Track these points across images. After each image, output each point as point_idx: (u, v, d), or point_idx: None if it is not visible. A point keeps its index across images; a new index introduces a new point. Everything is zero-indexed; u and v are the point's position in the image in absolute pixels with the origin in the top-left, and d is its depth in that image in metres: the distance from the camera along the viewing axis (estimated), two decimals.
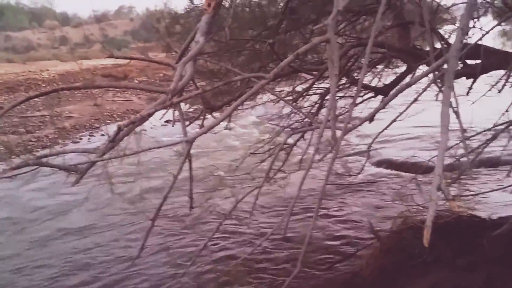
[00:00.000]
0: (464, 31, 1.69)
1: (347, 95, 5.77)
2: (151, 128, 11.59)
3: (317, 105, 5.67)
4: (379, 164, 8.92)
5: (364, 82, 5.55)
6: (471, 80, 3.88)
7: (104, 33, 43.59)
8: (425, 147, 8.93)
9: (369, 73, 5.95)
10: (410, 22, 4.19)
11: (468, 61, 4.35)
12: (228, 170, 7.99)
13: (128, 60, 2.64)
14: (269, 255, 5.44)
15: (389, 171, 8.48)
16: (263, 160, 5.01)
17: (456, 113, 1.91)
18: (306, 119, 5.60)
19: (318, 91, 5.82)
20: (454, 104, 1.91)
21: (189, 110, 5.59)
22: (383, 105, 1.91)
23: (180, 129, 2.14)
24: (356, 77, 5.56)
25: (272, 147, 5.34)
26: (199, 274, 5.20)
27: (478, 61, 4.32)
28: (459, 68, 4.55)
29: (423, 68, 3.74)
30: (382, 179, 7.96)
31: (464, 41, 3.91)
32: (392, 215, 5.37)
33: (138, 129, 1.90)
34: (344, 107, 5.48)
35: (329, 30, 1.61)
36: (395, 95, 1.90)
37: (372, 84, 5.52)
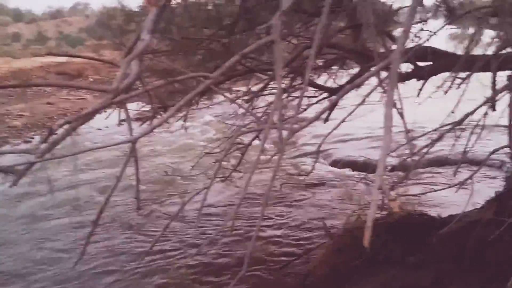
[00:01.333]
0: (406, 33, 1.70)
1: (302, 95, 5.80)
2: (106, 127, 11.40)
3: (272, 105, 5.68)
4: (334, 163, 9.04)
5: (319, 83, 5.61)
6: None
7: (59, 30, 42.49)
8: (379, 147, 9.11)
9: (324, 74, 6.03)
10: (359, 25, 4.24)
11: (420, 63, 4.46)
12: (182, 170, 7.93)
13: (82, 58, 2.55)
14: (216, 257, 5.40)
15: (343, 170, 8.61)
16: (217, 160, 4.98)
17: (401, 114, 1.93)
18: (263, 118, 5.62)
19: (274, 91, 5.83)
20: (399, 106, 1.94)
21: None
22: (331, 106, 1.91)
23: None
24: (310, 78, 5.62)
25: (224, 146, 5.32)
26: (144, 277, 5.11)
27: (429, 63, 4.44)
28: (410, 70, 4.67)
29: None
30: (337, 178, 8.07)
31: (415, 44, 4.01)
32: (345, 214, 5.44)
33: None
34: (300, 108, 5.52)
35: (274, 31, 1.59)
36: (341, 95, 1.90)
37: (328, 85, 5.58)
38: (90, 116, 1.53)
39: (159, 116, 4.84)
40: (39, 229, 6.61)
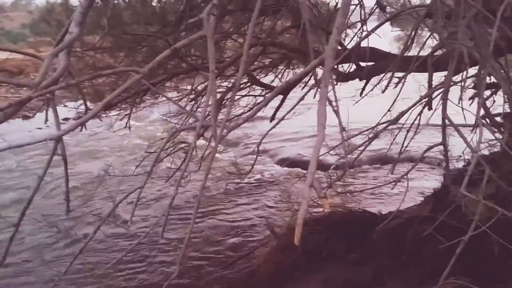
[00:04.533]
0: (339, 30, 1.71)
1: (249, 94, 5.80)
2: (47, 126, 10.95)
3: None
4: (280, 162, 9.09)
5: (265, 82, 5.62)
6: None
7: (0, 25, 40.75)
8: (324, 145, 9.23)
9: (270, 73, 6.04)
10: (297, 25, 4.28)
11: (363, 64, 4.54)
12: (124, 170, 7.74)
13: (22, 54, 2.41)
14: (149, 259, 5.31)
15: (289, 169, 8.67)
16: (161, 159, 4.88)
17: (336, 112, 1.94)
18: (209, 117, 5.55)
19: (220, 89, 5.79)
20: (334, 104, 1.95)
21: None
22: (265, 103, 1.90)
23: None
24: (257, 77, 5.62)
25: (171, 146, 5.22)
26: (71, 282, 4.96)
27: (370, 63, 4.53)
28: (352, 70, 4.75)
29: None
30: (282, 177, 8.12)
31: (355, 44, 4.07)
32: (289, 212, 5.48)
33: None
34: (246, 106, 5.52)
35: (205, 25, 1.56)
36: (276, 93, 1.89)
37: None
38: (8, 112, 1.44)
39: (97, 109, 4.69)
40: None
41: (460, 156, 4.15)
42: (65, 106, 5.97)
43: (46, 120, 2.03)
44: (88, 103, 5.19)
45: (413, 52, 3.45)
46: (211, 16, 1.56)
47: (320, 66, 1.98)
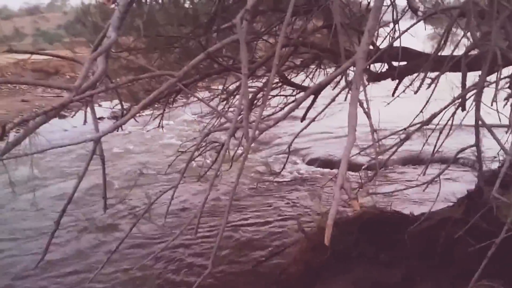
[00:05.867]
0: (370, 33, 1.73)
1: (280, 94, 5.81)
2: (75, 127, 11.07)
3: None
4: (311, 162, 9.08)
5: (296, 82, 5.63)
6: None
7: (36, 26, 41.78)
8: (356, 145, 9.16)
9: (302, 73, 6.03)
10: (329, 25, 4.27)
11: (395, 63, 4.51)
12: (157, 169, 7.89)
13: (55, 56, 2.50)
14: (182, 256, 5.38)
15: (320, 169, 8.66)
16: (193, 158, 4.95)
17: (367, 114, 1.95)
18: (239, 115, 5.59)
19: (252, 89, 5.82)
20: (365, 105, 1.97)
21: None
22: (297, 105, 1.92)
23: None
24: (288, 77, 5.64)
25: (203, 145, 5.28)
26: (109, 278, 5.07)
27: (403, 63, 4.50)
28: (385, 69, 4.72)
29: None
30: (313, 177, 8.12)
31: (388, 44, 4.05)
32: (320, 212, 5.48)
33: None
34: (277, 106, 5.54)
35: (238, 30, 1.60)
36: (307, 95, 1.92)
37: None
38: (51, 114, 1.51)
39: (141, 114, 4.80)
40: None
41: (495, 157, 4.09)
42: (100, 105, 6.11)
43: (85, 121, 2.10)
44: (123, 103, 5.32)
45: (446, 51, 3.42)
46: (244, 21, 1.60)
47: (351, 68, 2.00)
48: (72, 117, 3.36)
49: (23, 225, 6.52)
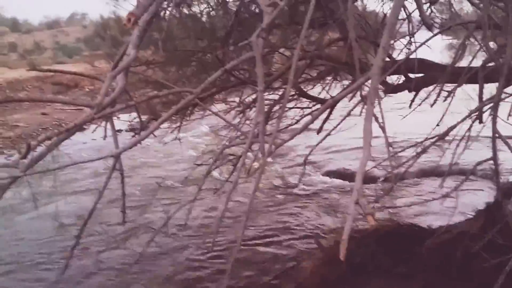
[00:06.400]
0: (385, 49, 1.75)
1: (296, 106, 5.82)
2: (94, 139, 11.13)
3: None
4: (327, 174, 9.05)
5: (312, 94, 5.65)
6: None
7: (56, 40, 42.50)
8: (372, 157, 9.10)
9: (318, 85, 6.04)
10: (344, 38, 4.30)
11: (412, 75, 4.51)
12: (174, 182, 7.93)
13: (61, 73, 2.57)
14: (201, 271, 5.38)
15: (336, 180, 8.62)
16: (210, 171, 4.99)
17: (382, 129, 1.97)
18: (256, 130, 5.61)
19: (268, 101, 5.84)
20: (381, 119, 1.98)
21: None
22: (312, 120, 1.94)
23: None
24: (304, 89, 5.66)
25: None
26: None
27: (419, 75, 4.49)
28: (401, 82, 4.72)
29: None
30: (329, 189, 8.07)
31: (405, 55, 4.05)
32: (336, 225, 5.46)
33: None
34: (293, 118, 5.55)
35: (254, 48, 1.63)
36: (322, 111, 1.94)
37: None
38: (72, 131, 1.56)
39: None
40: (22, 244, 6.56)
41: None
42: (118, 118, 6.17)
43: (105, 136, 2.15)
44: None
45: (463, 62, 3.42)
46: (260, 39, 1.63)
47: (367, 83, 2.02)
48: (92, 132, 3.37)
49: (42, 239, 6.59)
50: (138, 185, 8.24)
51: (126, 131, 10.18)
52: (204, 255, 5.52)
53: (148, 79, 5.05)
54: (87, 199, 7.46)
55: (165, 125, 5.87)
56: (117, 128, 3.13)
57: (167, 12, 4.74)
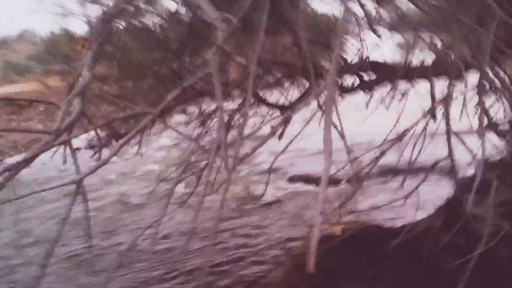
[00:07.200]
0: (337, 61, 1.78)
1: (255, 113, 5.84)
2: (52, 158, 10.83)
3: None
4: (291, 179, 9.10)
5: (270, 101, 5.68)
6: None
7: (5, 59, 41.27)
8: (336, 160, 9.20)
9: (275, 91, 6.07)
10: (297, 43, 4.35)
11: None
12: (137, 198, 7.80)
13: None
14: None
15: (300, 185, 8.68)
16: (173, 189, 4.91)
17: (342, 136, 2.01)
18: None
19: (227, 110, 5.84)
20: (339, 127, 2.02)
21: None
22: (272, 134, 1.96)
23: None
24: (263, 96, 5.68)
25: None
26: None
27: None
28: (356, 83, 4.81)
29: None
30: (294, 195, 8.11)
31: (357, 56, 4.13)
32: (303, 232, 5.47)
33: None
34: (254, 126, 5.56)
35: (211, 65, 1.64)
36: (282, 123, 1.96)
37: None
38: (30, 160, 1.52)
39: (112, 145, 4.79)
40: None
41: (470, 163, 4.19)
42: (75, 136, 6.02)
43: (65, 161, 2.10)
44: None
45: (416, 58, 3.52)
46: (215, 56, 1.64)
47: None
48: (51, 157, 3.25)
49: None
50: (103, 204, 8.08)
51: (86, 148, 9.95)
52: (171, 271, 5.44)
53: (104, 96, 4.97)
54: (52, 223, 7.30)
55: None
56: (75, 145, 3.06)
57: (120, 27, 4.69)
